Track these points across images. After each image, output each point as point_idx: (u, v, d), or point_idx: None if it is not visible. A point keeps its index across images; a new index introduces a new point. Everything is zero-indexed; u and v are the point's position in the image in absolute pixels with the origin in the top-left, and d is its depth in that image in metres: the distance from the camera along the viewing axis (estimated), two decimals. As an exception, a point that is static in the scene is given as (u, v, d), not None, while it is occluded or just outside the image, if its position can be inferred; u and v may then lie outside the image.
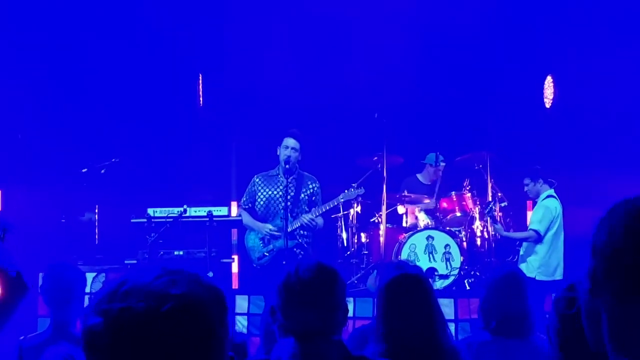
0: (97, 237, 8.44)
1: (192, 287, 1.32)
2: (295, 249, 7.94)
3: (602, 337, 1.35)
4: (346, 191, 8.17)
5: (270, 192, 8.11)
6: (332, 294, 2.68)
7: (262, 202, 8.13)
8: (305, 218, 7.91)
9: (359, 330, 4.14)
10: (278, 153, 8.03)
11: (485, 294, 4.17)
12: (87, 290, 7.12)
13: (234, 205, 8.63)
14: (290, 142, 7.93)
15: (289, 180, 7.88)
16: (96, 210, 8.50)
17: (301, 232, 8.02)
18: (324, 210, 8.08)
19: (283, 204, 7.87)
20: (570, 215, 9.00)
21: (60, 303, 4.17)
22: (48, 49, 9.28)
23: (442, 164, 9.14)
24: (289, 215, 7.90)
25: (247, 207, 8.19)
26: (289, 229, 7.85)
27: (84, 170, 8.38)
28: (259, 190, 8.16)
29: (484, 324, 4.09)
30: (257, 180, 8.21)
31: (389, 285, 3.20)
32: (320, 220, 8.13)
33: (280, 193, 7.98)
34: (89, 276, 7.34)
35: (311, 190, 8.13)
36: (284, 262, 7.55)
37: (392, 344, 3.10)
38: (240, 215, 8.19)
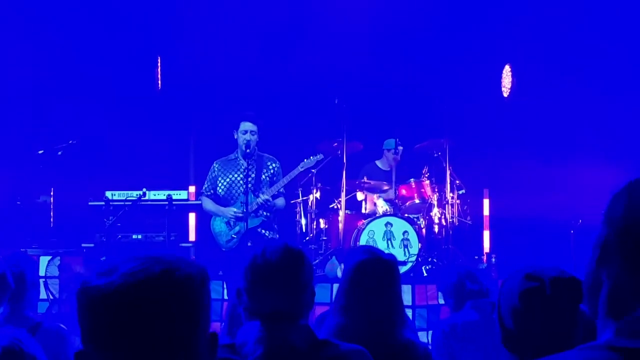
0: (52, 220, 8.27)
1: (178, 262, 1.38)
2: (259, 229, 7.91)
3: (597, 304, 1.42)
4: (305, 160, 8.13)
5: (231, 177, 8.06)
6: (298, 276, 2.65)
7: (223, 187, 8.06)
8: (260, 198, 7.86)
9: (322, 316, 4.07)
10: (235, 137, 7.99)
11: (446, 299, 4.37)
12: (42, 273, 7.15)
13: (192, 189, 8.57)
14: (247, 125, 7.91)
15: (249, 162, 7.81)
16: (52, 193, 8.31)
17: (264, 212, 7.98)
18: (284, 183, 8.04)
19: (242, 188, 7.82)
20: (525, 203, 9.14)
21: (13, 294, 3.97)
22: (3, 29, 9.06)
23: (400, 148, 9.14)
24: (252, 196, 7.86)
25: (209, 193, 8.13)
26: (252, 209, 7.80)
27: (40, 152, 8.21)
28: (220, 176, 8.11)
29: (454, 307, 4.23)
30: (217, 166, 8.17)
31: (360, 266, 3.19)
32: (280, 202, 8.10)
33: (241, 176, 7.93)
34: (44, 260, 7.31)
35: (272, 171, 8.11)
36: (249, 244, 7.55)
37: (353, 319, 3.10)
38: (199, 199, 8.15)
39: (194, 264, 1.40)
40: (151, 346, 1.32)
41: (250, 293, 2.63)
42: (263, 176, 8.05)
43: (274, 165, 8.13)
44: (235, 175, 8.04)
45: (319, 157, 8.23)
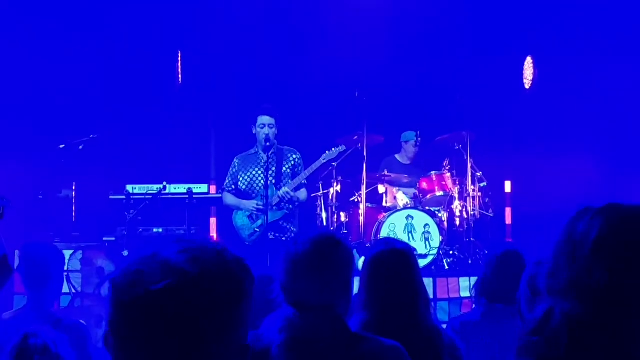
0: (74, 214, 8.25)
1: (209, 266, 1.33)
2: (281, 222, 7.90)
3: None
4: (327, 152, 8.12)
5: (251, 172, 8.05)
6: (331, 266, 2.63)
7: (244, 182, 8.06)
8: (281, 191, 7.85)
9: None
10: (254, 132, 7.98)
11: (483, 273, 4.14)
12: (65, 268, 7.15)
13: (213, 183, 8.57)
14: (265, 119, 7.89)
15: (269, 155, 7.80)
16: (73, 187, 8.30)
17: (287, 205, 7.96)
18: (307, 175, 8.02)
19: (263, 182, 7.78)
20: (548, 195, 9.15)
21: (37, 283, 4.08)
22: (26, 24, 9.11)
23: (417, 139, 9.18)
24: (274, 189, 7.85)
25: (230, 189, 8.12)
26: (274, 202, 7.80)
27: (61, 146, 8.19)
28: (240, 171, 8.10)
29: (482, 300, 4.08)
30: (237, 161, 8.15)
31: (376, 258, 3.17)
32: (302, 195, 8.08)
33: (262, 170, 7.90)
34: (66, 253, 6.94)
35: (293, 162, 8.08)
36: (270, 235, 7.58)
37: (376, 313, 3.07)
38: (220, 194, 8.13)
39: (228, 273, 1.35)
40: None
41: (285, 282, 2.63)
42: (284, 168, 8.03)
43: (294, 156, 8.11)
44: (256, 170, 8.03)
45: (342, 148, 8.20)
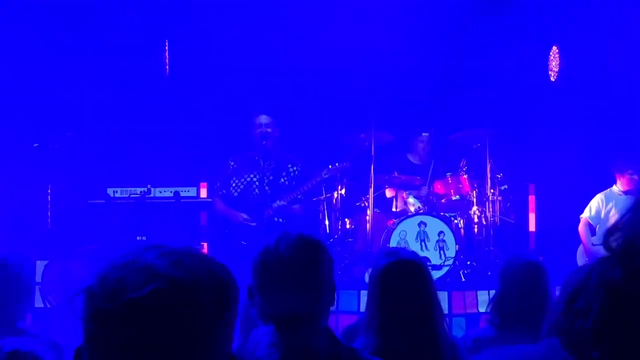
0: (49, 220, 8.05)
1: (192, 272, 1.33)
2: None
3: None
4: (330, 166, 8.01)
5: (247, 177, 8.00)
6: (316, 271, 2.52)
7: (238, 188, 8.03)
8: (275, 204, 7.84)
9: (351, 327, 4.00)
10: (252, 134, 8.02)
11: (500, 287, 3.94)
12: (38, 279, 6.79)
13: (203, 186, 8.36)
14: (262, 119, 7.92)
15: (268, 164, 7.82)
16: (49, 191, 8.08)
17: (279, 219, 7.91)
18: (304, 191, 8.00)
19: (258, 191, 7.83)
20: (575, 200, 8.86)
21: (6, 298, 3.86)
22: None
23: (425, 135, 8.99)
24: (268, 200, 7.91)
25: (221, 193, 8.07)
26: (266, 215, 7.82)
27: (35, 145, 7.92)
28: (235, 175, 8.05)
29: (498, 321, 3.87)
30: (233, 163, 8.13)
31: (382, 272, 3.07)
32: (298, 208, 8.02)
33: (257, 177, 7.84)
34: (41, 264, 7.11)
35: (292, 174, 8.08)
36: None
37: (386, 337, 2.96)
38: (210, 199, 7.93)
39: (214, 280, 1.36)
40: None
41: (262, 292, 2.50)
42: (282, 179, 8.08)
43: (294, 168, 8.15)
44: (252, 177, 8.00)
45: (345, 164, 8.11)
